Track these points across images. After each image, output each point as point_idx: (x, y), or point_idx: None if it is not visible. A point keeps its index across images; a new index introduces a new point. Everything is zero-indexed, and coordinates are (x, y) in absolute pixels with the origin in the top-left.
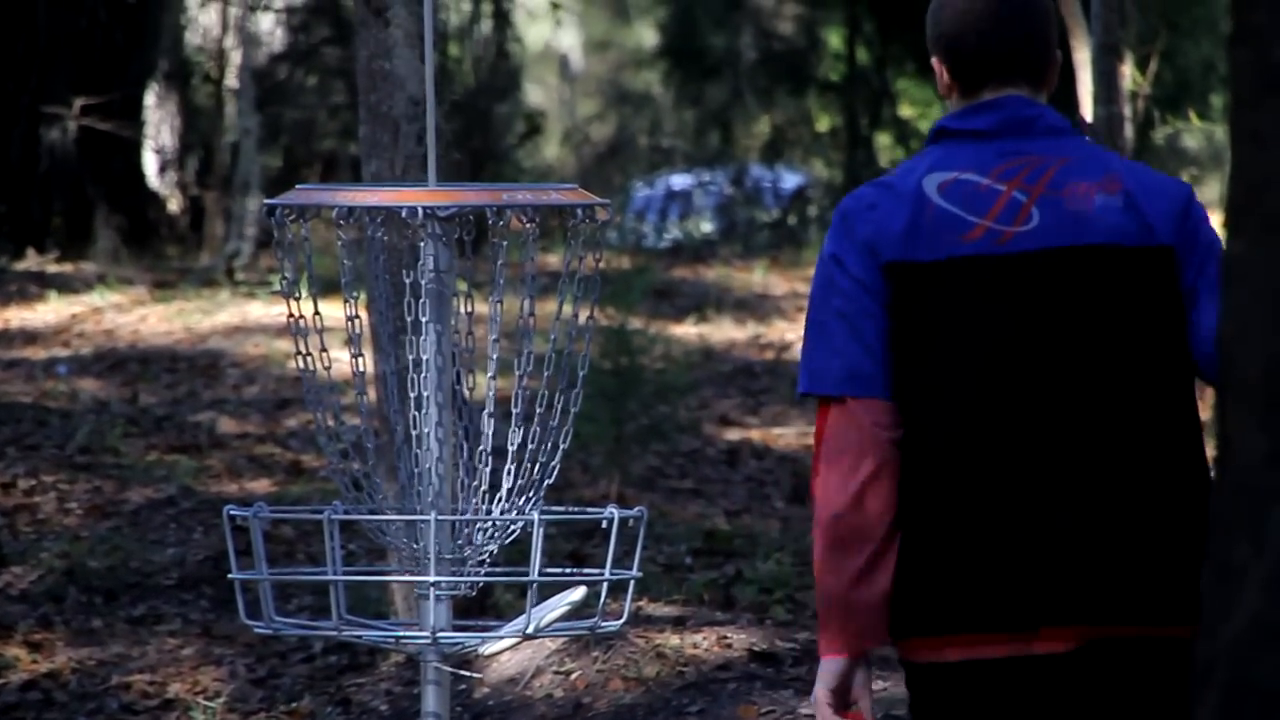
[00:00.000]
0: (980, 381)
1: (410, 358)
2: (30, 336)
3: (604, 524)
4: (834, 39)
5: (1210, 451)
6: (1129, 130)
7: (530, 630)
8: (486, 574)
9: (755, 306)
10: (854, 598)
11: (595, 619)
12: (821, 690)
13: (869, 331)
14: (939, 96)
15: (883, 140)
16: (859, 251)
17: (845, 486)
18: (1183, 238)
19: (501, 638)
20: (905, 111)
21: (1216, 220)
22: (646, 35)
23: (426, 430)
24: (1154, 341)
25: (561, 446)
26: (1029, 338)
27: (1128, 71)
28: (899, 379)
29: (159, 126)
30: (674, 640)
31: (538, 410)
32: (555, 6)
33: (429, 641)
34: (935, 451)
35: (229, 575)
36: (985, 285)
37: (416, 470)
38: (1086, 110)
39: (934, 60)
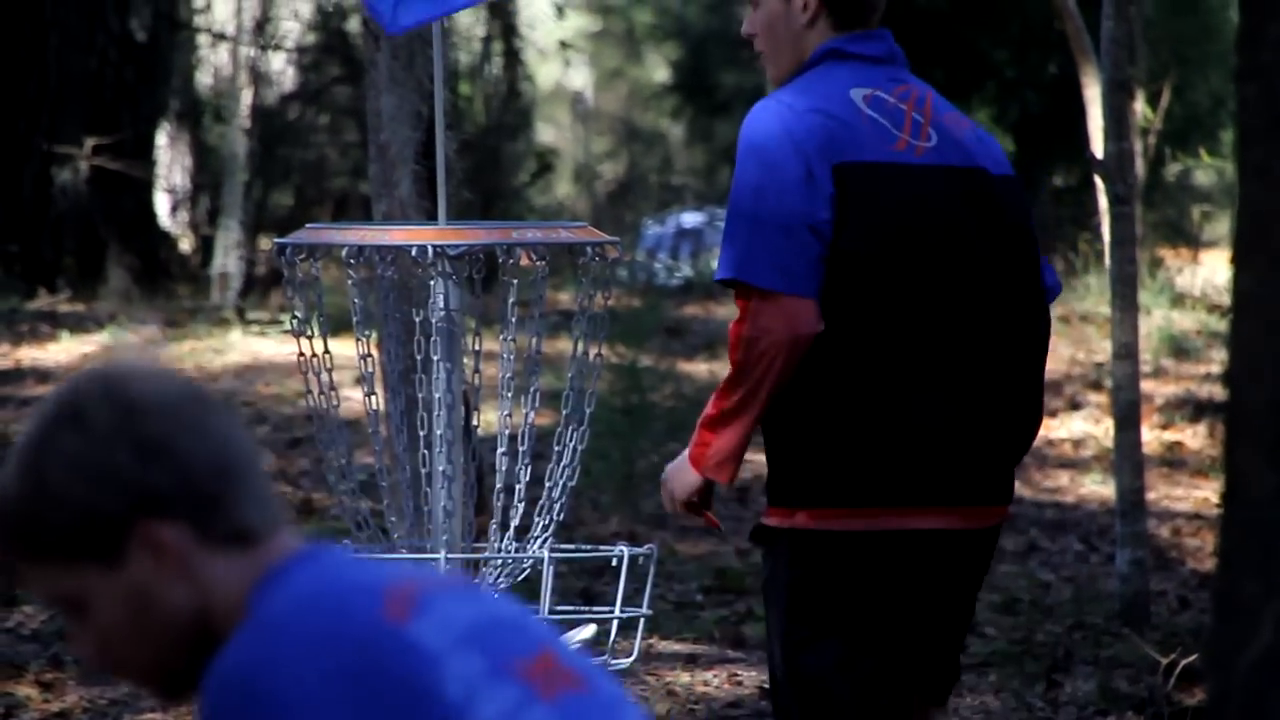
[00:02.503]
0: (909, 281)
1: (421, 396)
2: (42, 376)
3: (614, 561)
4: None
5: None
6: (1140, 166)
7: None
8: None
9: None
10: (741, 447)
11: (606, 656)
12: (686, 493)
13: (806, 234)
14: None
15: None
16: (807, 156)
17: (764, 379)
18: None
19: None
20: None
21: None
22: (658, 73)
23: (437, 468)
24: (1026, 253)
25: (569, 484)
26: (945, 240)
27: (1139, 108)
28: (835, 268)
29: (170, 166)
30: (685, 678)
31: (555, 449)
32: (564, 46)
33: None
34: (874, 333)
35: None
36: (909, 189)
37: (427, 508)
38: (1097, 146)
39: None
